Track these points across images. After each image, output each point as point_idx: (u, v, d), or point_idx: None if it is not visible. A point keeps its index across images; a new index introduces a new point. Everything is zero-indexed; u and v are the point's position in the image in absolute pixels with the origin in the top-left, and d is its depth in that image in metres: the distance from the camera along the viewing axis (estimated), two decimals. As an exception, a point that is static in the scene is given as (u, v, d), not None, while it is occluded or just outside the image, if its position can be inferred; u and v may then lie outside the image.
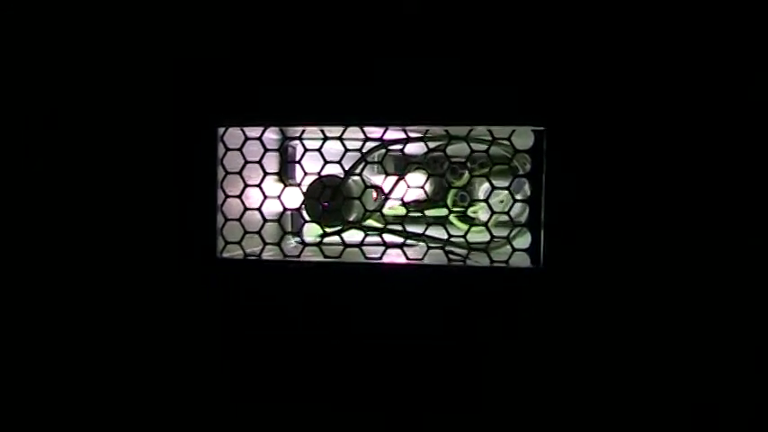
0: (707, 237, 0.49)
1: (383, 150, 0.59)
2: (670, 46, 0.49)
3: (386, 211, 0.64)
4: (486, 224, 0.56)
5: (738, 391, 0.49)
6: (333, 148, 0.58)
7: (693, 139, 0.49)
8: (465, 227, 0.58)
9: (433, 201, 0.78)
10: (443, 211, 0.65)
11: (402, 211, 0.66)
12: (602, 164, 0.50)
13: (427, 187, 0.77)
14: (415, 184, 0.64)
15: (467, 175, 0.71)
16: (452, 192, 0.74)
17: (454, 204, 0.76)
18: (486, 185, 0.67)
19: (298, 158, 0.61)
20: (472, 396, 0.53)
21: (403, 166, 0.70)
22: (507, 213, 0.57)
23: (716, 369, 0.49)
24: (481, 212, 0.70)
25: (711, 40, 0.49)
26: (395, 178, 0.64)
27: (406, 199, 0.69)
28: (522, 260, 0.55)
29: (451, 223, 0.66)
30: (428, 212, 0.65)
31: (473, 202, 0.76)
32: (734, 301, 0.49)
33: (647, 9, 0.49)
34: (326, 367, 0.54)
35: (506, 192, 0.56)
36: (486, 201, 0.57)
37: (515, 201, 0.56)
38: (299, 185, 0.60)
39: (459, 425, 0.53)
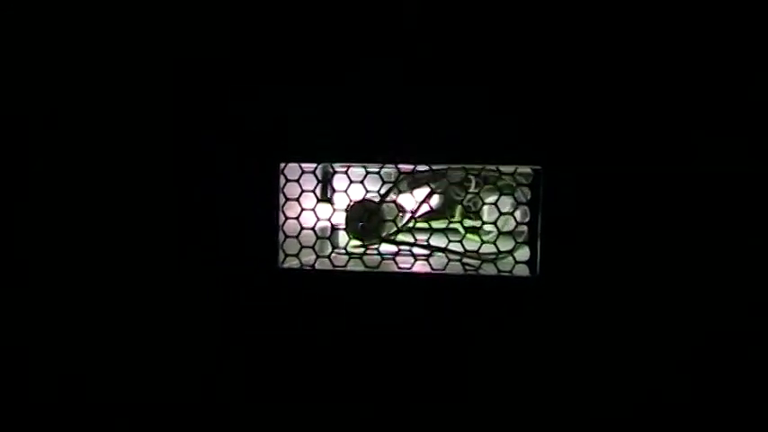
0: (676, 238, 0.63)
1: (411, 179, 0.73)
2: (649, 87, 0.63)
3: (411, 224, 0.78)
4: (495, 242, 0.71)
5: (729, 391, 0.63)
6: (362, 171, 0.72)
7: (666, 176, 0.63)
8: (476, 239, 0.72)
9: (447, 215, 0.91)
10: (455, 225, 0.80)
11: (423, 224, 0.80)
12: (586, 196, 0.64)
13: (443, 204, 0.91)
14: (434, 203, 0.78)
15: (475, 196, 0.84)
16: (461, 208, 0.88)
17: (464, 217, 0.89)
18: (487, 207, 0.79)
19: (338, 184, 0.75)
20: (493, 387, 0.67)
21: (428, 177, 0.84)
22: (511, 233, 0.71)
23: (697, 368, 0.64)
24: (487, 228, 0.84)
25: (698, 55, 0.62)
26: (417, 196, 0.78)
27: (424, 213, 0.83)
28: (522, 269, 0.69)
29: (465, 236, 0.80)
30: (439, 224, 0.79)
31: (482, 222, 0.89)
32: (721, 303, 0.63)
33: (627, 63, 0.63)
34: (359, 363, 0.68)
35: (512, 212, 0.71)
36: (494, 223, 0.72)
37: (519, 223, 0.70)
38: (344, 210, 0.74)
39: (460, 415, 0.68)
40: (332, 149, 0.68)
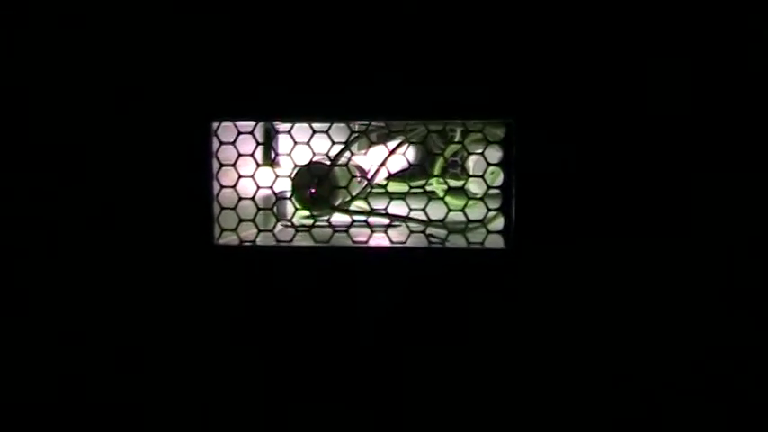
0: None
1: (365, 139, 0.64)
2: (629, 51, 0.54)
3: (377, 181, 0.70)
4: (463, 209, 0.61)
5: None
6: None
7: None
8: (458, 203, 0.62)
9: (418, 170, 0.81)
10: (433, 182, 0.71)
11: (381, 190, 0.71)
12: (566, 154, 0.55)
13: (412, 158, 0.81)
14: (399, 159, 0.69)
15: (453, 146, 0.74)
16: (440, 160, 0.78)
17: (443, 172, 0.79)
18: (474, 157, 0.70)
19: (281, 147, 0.67)
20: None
21: (385, 136, 0.74)
22: (482, 199, 0.62)
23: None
24: (473, 186, 0.72)
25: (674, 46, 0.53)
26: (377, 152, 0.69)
27: (392, 171, 0.74)
28: (495, 241, 0.60)
29: (442, 199, 0.70)
30: (401, 187, 0.71)
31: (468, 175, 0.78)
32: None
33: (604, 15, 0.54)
34: (315, 357, 0.60)
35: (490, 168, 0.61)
36: (462, 188, 0.62)
37: (489, 187, 0.60)
38: (289, 177, 0.65)
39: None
40: (273, 104, 0.58)
